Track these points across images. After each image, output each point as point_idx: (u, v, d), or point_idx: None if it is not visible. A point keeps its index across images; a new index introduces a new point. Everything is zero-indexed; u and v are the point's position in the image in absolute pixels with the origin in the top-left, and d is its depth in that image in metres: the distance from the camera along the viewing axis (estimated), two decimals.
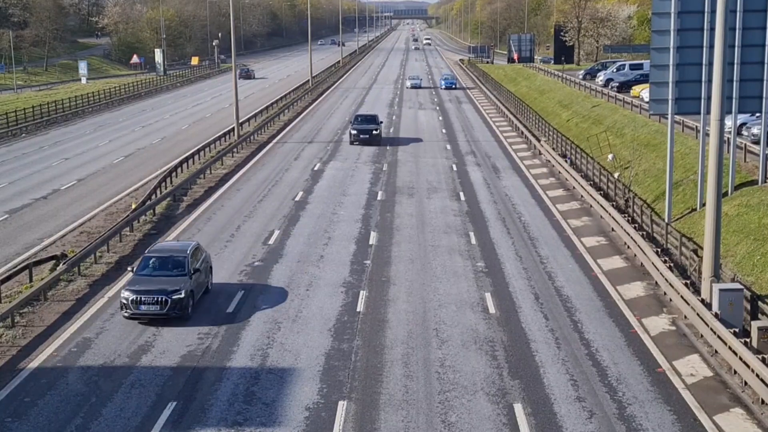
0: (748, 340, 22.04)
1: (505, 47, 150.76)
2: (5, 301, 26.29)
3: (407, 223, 36.81)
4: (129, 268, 27.50)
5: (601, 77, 77.00)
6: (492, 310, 26.08)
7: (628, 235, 32.11)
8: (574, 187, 43.37)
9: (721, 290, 23.64)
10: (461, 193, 43.13)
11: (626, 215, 35.62)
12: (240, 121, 63.45)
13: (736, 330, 22.55)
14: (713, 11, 28.71)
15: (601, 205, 37.08)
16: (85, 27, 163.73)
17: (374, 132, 59.89)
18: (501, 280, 28.97)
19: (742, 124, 41.89)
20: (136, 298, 24.44)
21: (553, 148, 53.39)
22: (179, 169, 47.24)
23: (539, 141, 56.75)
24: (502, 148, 58.33)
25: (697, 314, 23.71)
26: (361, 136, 59.75)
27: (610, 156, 46.52)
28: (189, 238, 34.47)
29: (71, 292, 27.98)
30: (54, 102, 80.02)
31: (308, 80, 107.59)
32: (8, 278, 27.68)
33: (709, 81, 29.66)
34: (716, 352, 22.29)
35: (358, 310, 26.08)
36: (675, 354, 22.72)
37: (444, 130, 67.42)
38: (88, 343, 23.62)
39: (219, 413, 19.42)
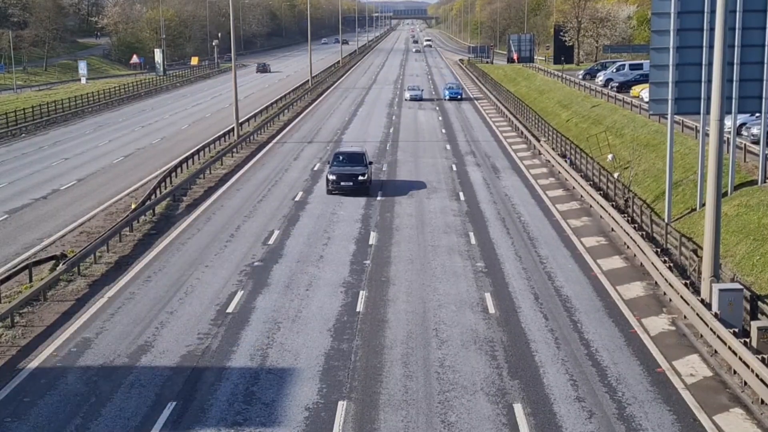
0: (747, 340, 22.04)
1: (504, 47, 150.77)
2: (5, 301, 26.28)
3: (407, 223, 36.82)
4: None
5: (600, 77, 77.01)
6: (492, 310, 26.08)
7: (628, 235, 32.12)
8: (573, 187, 43.37)
9: (720, 290, 23.64)
10: (461, 193, 43.14)
11: (626, 215, 35.62)
12: (240, 121, 63.45)
13: (736, 330, 22.55)
14: (713, 11, 28.72)
15: (601, 205, 37.08)
16: (84, 27, 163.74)
17: (360, 178, 41.39)
18: (501, 280, 28.97)
19: (742, 124, 41.89)
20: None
21: (553, 148, 53.39)
22: (179, 169, 47.25)
23: (539, 141, 56.75)
24: (501, 148, 58.34)
25: (697, 314, 23.71)
26: (342, 183, 41.69)
27: (609, 156, 46.53)
28: (188, 239, 34.52)
29: (71, 292, 27.98)
30: (54, 102, 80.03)
31: (308, 80, 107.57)
32: (8, 278, 27.67)
33: (709, 81, 29.66)
34: (716, 352, 22.29)
35: (357, 310, 26.08)
36: (675, 354, 22.72)
37: (443, 130, 67.42)
38: (88, 343, 23.62)
39: (218, 413, 19.41)
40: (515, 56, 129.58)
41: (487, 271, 29.99)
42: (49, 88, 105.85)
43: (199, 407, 19.70)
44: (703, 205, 29.65)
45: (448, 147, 58.73)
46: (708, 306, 23.92)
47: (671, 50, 32.32)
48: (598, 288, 28.25)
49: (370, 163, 44.33)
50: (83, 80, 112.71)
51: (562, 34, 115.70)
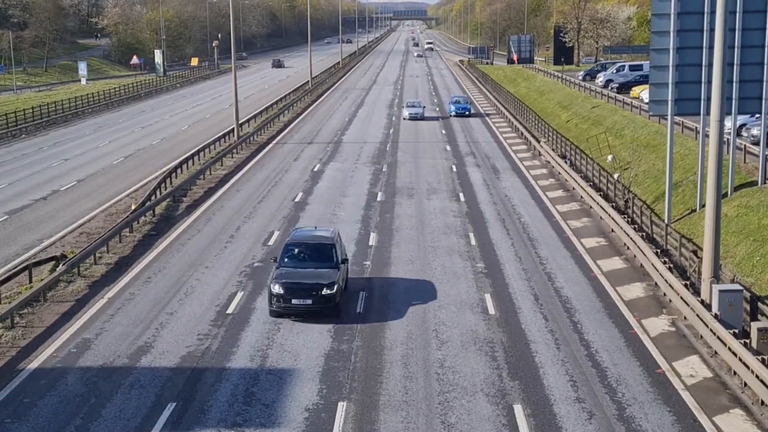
0: (747, 341, 22.04)
1: (504, 48, 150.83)
2: (5, 301, 26.27)
3: (407, 224, 36.81)
4: None
5: (600, 78, 77.02)
6: (492, 311, 26.07)
7: (628, 236, 32.11)
8: (573, 188, 43.37)
9: (720, 291, 23.63)
10: (461, 194, 43.13)
11: (626, 216, 35.61)
12: (240, 122, 63.46)
13: (736, 331, 22.54)
14: (713, 12, 28.71)
15: (601, 206, 37.08)
16: (84, 28, 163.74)
17: (324, 292, 25.02)
18: (501, 281, 28.96)
19: (742, 125, 41.90)
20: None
21: (553, 149, 53.40)
22: (179, 170, 47.25)
23: (539, 142, 56.75)
24: (501, 149, 58.34)
25: (697, 315, 23.70)
26: (294, 302, 24.96)
27: (609, 157, 46.54)
28: (188, 239, 34.51)
29: (71, 292, 27.98)
30: (54, 103, 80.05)
31: (308, 81, 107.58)
32: (8, 279, 27.67)
33: (709, 82, 29.65)
34: (716, 353, 22.28)
35: (358, 311, 26.07)
36: (675, 355, 22.72)
37: (443, 131, 67.42)
38: (88, 344, 23.61)
39: (218, 414, 19.40)
40: (515, 57, 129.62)
41: (487, 272, 29.98)
42: (49, 89, 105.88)
43: (199, 408, 19.69)
44: (703, 206, 29.65)
45: (448, 148, 58.73)
46: (708, 307, 23.91)
47: (671, 51, 32.32)
48: (598, 289, 28.25)
49: (345, 260, 26.81)
50: (83, 81, 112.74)
51: (562, 35, 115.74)
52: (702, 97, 32.28)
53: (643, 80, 62.62)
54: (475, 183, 46.19)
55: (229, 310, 26.14)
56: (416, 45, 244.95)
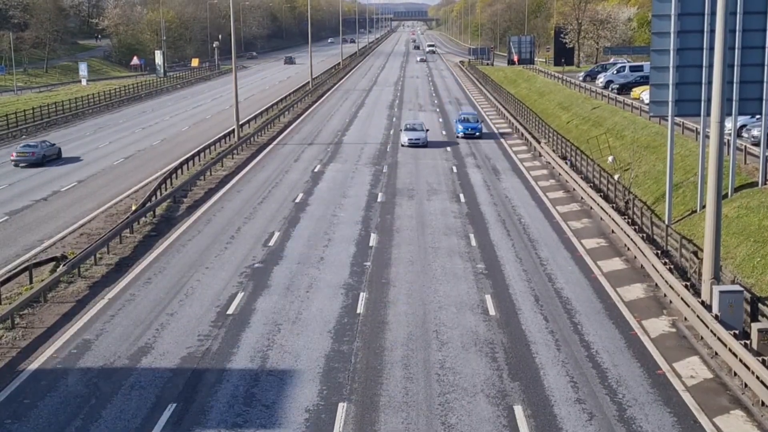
0: (748, 342, 22.03)
1: (505, 49, 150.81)
2: (5, 302, 26.29)
3: (407, 225, 36.81)
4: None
5: (601, 79, 77.01)
6: (492, 311, 26.07)
7: (628, 236, 32.11)
8: (574, 189, 43.37)
9: (721, 292, 23.63)
10: (461, 195, 43.13)
11: (626, 217, 35.61)
12: (240, 122, 63.49)
13: (736, 332, 22.54)
14: (713, 13, 28.71)
15: (601, 207, 37.08)
16: (85, 29, 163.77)
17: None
18: (501, 282, 28.96)
19: (742, 126, 41.89)
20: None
21: (554, 150, 53.40)
22: (179, 171, 47.26)
23: (539, 143, 56.75)
24: (502, 150, 58.32)
25: (697, 316, 23.70)
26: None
27: (610, 158, 46.54)
28: (189, 240, 34.52)
29: (71, 293, 27.99)
30: (54, 103, 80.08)
31: (308, 82, 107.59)
32: (8, 280, 27.69)
33: (709, 83, 29.66)
34: (716, 354, 22.28)
35: (358, 311, 26.08)
36: (675, 356, 22.71)
37: (444, 132, 67.40)
38: (88, 344, 23.62)
39: (219, 415, 19.41)
40: (515, 58, 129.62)
41: (487, 273, 29.98)
42: (50, 90, 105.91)
43: (199, 409, 19.69)
44: (704, 207, 29.65)
45: (449, 149, 58.71)
46: (708, 308, 23.91)
47: (672, 52, 32.32)
48: (599, 290, 28.24)
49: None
50: (84, 82, 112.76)
51: (562, 35, 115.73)
52: (702, 98, 32.28)
53: (644, 81, 62.64)
54: (475, 184, 46.19)
55: (230, 311, 26.15)
56: (417, 48, 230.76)
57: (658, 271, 27.74)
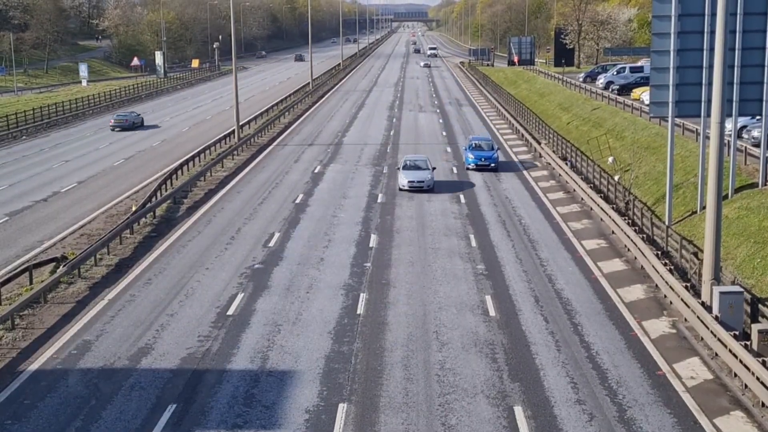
0: (748, 342, 22.02)
1: (505, 50, 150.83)
2: (5, 303, 26.29)
3: (407, 226, 36.80)
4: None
5: (601, 80, 77.01)
6: (492, 312, 26.07)
7: (629, 237, 32.10)
8: (574, 190, 43.36)
9: (721, 293, 23.63)
10: (461, 196, 43.12)
11: (626, 218, 35.60)
12: (240, 123, 63.49)
13: (737, 333, 22.53)
14: (713, 14, 28.71)
15: (602, 208, 37.07)
16: (85, 29, 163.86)
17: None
18: (501, 283, 28.95)
19: (743, 127, 41.86)
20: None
21: (554, 151, 53.38)
22: (179, 172, 47.26)
23: (539, 144, 56.75)
24: (502, 151, 58.29)
25: (698, 317, 23.69)
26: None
27: (610, 159, 46.54)
28: (189, 241, 34.52)
29: (71, 294, 27.98)
30: (54, 104, 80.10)
31: (308, 83, 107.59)
32: (8, 280, 27.70)
33: (710, 84, 29.66)
34: (716, 354, 22.27)
35: (358, 312, 26.08)
36: (675, 357, 22.71)
37: (444, 133, 67.42)
38: (88, 345, 23.62)
39: (219, 416, 19.41)
40: (516, 59, 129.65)
41: (487, 274, 29.98)
42: (50, 91, 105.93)
43: (199, 410, 19.69)
44: (704, 207, 29.64)
45: (449, 149, 58.71)
46: (709, 309, 23.90)
47: (672, 53, 32.32)
48: (599, 291, 28.24)
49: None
50: (84, 82, 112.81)
51: (562, 36, 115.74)
52: (702, 98, 32.27)
53: (644, 82, 62.59)
54: (475, 184, 46.17)
55: (230, 312, 26.15)
56: (417, 52, 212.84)
57: (658, 272, 27.73)
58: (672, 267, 28.53)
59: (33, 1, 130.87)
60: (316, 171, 50.61)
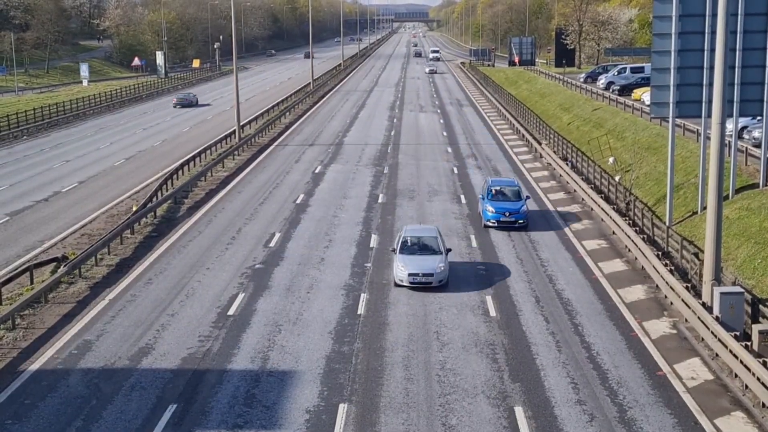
0: (749, 343, 22.01)
1: (506, 50, 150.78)
2: (6, 303, 26.30)
3: None
4: None
5: (602, 80, 77.01)
6: (493, 313, 26.07)
7: (629, 238, 32.10)
8: (575, 190, 43.36)
9: (722, 293, 23.62)
10: (462, 196, 43.12)
11: (627, 218, 35.60)
12: (241, 123, 63.49)
13: (737, 333, 22.53)
14: (714, 15, 28.72)
15: (602, 208, 37.06)
16: (86, 29, 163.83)
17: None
18: (502, 283, 28.94)
19: (743, 128, 41.86)
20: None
21: (554, 152, 53.40)
22: (180, 172, 47.27)
23: (540, 144, 56.75)
24: (503, 151, 58.33)
25: (698, 317, 23.69)
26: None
27: (611, 159, 46.53)
28: (190, 241, 34.52)
29: (72, 294, 27.99)
30: (55, 104, 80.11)
31: (309, 83, 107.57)
32: (9, 280, 27.71)
33: (710, 84, 29.66)
34: (717, 355, 22.27)
35: (358, 312, 26.08)
36: (676, 357, 22.71)
37: (445, 133, 67.43)
38: (89, 345, 23.62)
39: (219, 416, 19.41)
40: (516, 59, 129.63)
41: (487, 274, 29.96)
42: (51, 91, 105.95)
43: (199, 410, 19.70)
44: (705, 208, 29.64)
45: (450, 150, 58.73)
46: (709, 309, 23.90)
47: (672, 53, 32.32)
48: (599, 291, 28.23)
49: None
50: (85, 82, 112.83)
51: (563, 37, 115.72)
52: (703, 99, 32.28)
53: (645, 82, 62.57)
54: (476, 185, 46.14)
55: (230, 312, 26.16)
56: (418, 55, 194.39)
57: (658, 273, 27.73)
58: (672, 267, 28.53)
59: (34, 1, 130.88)
60: (316, 171, 50.61)
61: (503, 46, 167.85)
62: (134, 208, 37.93)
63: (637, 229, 33.84)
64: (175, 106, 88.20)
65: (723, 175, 25.42)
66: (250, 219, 38.38)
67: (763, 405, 19.53)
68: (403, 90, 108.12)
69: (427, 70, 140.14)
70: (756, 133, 40.44)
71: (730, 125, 33.17)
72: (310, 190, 44.80)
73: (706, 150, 33.02)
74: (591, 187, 41.73)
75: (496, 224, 35.77)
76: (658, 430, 18.84)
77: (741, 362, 20.59)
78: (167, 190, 42.53)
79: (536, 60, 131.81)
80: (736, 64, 31.78)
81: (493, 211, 35.85)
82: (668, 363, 22.32)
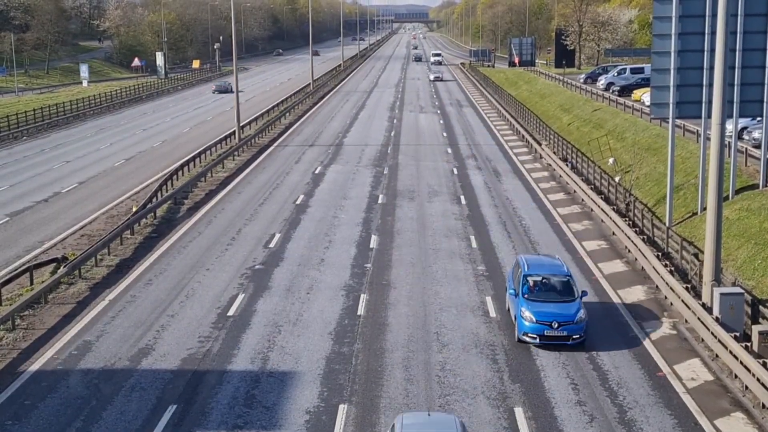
0: (749, 344, 22.00)
1: (506, 51, 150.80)
2: (6, 303, 26.29)
3: (408, 227, 36.80)
4: None
5: (602, 81, 77.01)
6: (493, 313, 26.06)
7: (629, 239, 32.09)
8: (575, 191, 43.36)
9: (722, 294, 23.62)
10: (462, 197, 43.12)
11: (627, 219, 35.59)
12: (241, 124, 63.49)
13: (737, 334, 22.52)
14: (714, 15, 28.70)
15: (602, 209, 37.07)
16: (86, 30, 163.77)
17: None
18: (502, 284, 28.89)
19: (743, 128, 41.86)
20: None
21: (554, 152, 53.40)
22: (180, 172, 47.26)
23: (540, 145, 56.75)
24: (503, 152, 58.33)
25: (698, 318, 23.69)
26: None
27: (611, 160, 46.52)
28: (190, 242, 34.50)
29: (72, 294, 27.99)
30: (55, 105, 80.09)
31: (309, 83, 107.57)
32: (9, 281, 27.70)
33: (710, 85, 29.65)
34: (717, 356, 22.26)
35: (358, 313, 26.08)
36: (676, 358, 22.70)
37: (445, 134, 67.43)
38: (89, 346, 23.62)
39: (219, 416, 19.41)
40: (516, 60, 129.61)
41: (488, 275, 29.97)
42: (51, 91, 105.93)
43: (199, 410, 19.69)
44: (705, 209, 29.63)
45: (450, 150, 58.73)
46: (709, 310, 23.90)
47: (672, 54, 32.32)
48: (599, 291, 28.21)
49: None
50: (85, 83, 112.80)
51: (563, 38, 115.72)
52: (703, 100, 32.27)
53: (645, 83, 62.56)
54: (476, 186, 46.18)
55: (230, 313, 26.15)
56: (418, 60, 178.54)
57: (658, 273, 27.73)
58: (672, 268, 28.52)
59: (34, 2, 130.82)
60: (316, 172, 50.61)
61: (503, 46, 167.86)
62: (134, 209, 37.92)
63: (637, 229, 33.84)
64: (214, 92, 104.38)
65: (723, 176, 25.41)
66: (250, 220, 38.38)
67: (763, 406, 19.52)
68: (403, 91, 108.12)
69: (431, 77, 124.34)
70: (756, 134, 40.44)
71: (730, 126, 33.15)
72: (310, 191, 44.80)
73: (706, 151, 33.01)
74: (591, 188, 41.73)
75: (537, 340, 23.24)
76: (658, 430, 18.84)
77: (741, 363, 20.59)
78: (167, 191, 42.52)
79: (536, 61, 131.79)
80: (736, 65, 31.78)
81: (534, 320, 23.24)
82: (668, 364, 22.32)
